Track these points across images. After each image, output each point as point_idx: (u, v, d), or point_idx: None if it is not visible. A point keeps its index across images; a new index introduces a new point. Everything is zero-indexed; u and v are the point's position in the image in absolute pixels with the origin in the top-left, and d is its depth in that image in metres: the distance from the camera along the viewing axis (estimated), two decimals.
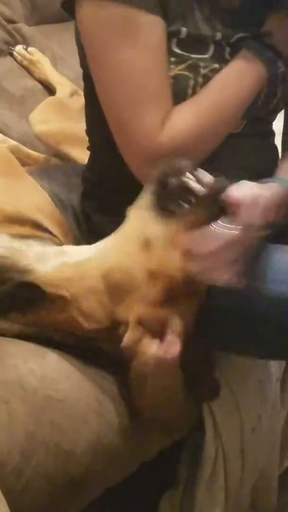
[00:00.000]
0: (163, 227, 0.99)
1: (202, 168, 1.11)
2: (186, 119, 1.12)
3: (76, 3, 1.10)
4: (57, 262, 1.02)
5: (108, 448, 0.97)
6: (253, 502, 1.35)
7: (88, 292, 0.98)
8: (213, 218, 0.99)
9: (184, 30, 1.12)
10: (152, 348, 0.95)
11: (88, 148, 1.33)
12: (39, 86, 1.98)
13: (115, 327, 0.98)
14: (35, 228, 1.12)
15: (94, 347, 1.01)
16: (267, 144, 1.30)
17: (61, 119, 1.73)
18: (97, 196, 1.27)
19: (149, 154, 1.11)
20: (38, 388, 0.93)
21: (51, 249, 1.05)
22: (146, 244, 0.98)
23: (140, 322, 0.96)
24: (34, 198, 1.23)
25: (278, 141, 2.05)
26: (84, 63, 1.19)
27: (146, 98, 1.10)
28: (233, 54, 1.16)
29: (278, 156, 1.32)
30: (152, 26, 1.09)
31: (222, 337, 1.11)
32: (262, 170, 1.23)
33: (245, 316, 1.06)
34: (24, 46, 1.99)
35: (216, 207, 0.99)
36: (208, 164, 1.16)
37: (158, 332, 0.96)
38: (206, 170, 1.15)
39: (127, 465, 1.04)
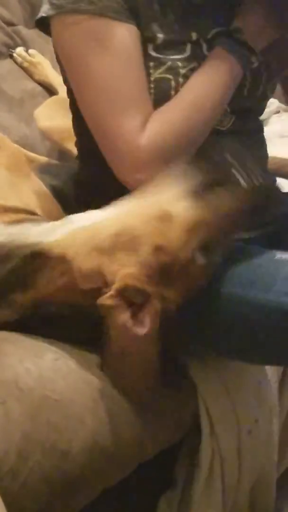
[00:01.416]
0: (190, 208, 0.98)
1: None
2: (165, 122, 1.13)
3: (50, 19, 1.13)
4: (66, 229, 1.03)
5: (105, 448, 0.97)
6: (251, 504, 1.35)
7: (92, 250, 0.98)
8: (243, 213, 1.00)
9: (160, 36, 1.14)
10: (122, 316, 0.95)
11: (76, 157, 1.34)
12: (39, 88, 1.99)
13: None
14: (30, 215, 1.13)
15: (90, 318, 0.99)
16: (256, 140, 1.30)
17: (66, 116, 1.73)
18: (87, 200, 1.28)
19: (131, 159, 1.12)
20: (34, 388, 0.93)
21: (55, 223, 1.05)
22: (166, 218, 0.98)
23: (123, 289, 0.95)
24: (37, 197, 1.24)
25: (281, 143, 2.07)
26: (66, 79, 1.22)
27: (124, 104, 1.12)
28: (210, 49, 1.17)
29: (267, 152, 1.33)
30: (124, 34, 1.11)
31: (222, 343, 1.11)
32: (251, 166, 1.25)
33: (245, 323, 1.06)
34: (25, 48, 2.00)
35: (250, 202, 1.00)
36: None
37: (136, 305, 0.96)
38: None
39: (124, 466, 1.04)
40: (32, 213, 1.14)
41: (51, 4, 1.12)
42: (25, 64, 1.99)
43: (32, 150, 1.79)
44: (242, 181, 1.02)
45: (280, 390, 1.39)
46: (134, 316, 0.96)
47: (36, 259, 1.00)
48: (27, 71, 1.99)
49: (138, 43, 1.13)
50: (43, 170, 1.39)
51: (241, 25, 1.17)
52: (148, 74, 1.15)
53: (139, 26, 1.13)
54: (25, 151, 1.73)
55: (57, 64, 1.98)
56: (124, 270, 0.96)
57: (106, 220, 1.01)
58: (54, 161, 1.78)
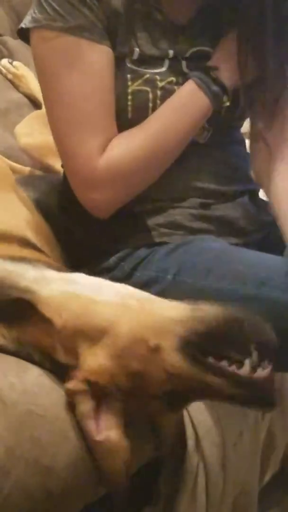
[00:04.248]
0: (178, 357, 0.93)
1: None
2: (125, 147, 1.15)
3: (30, 31, 1.16)
4: (65, 288, 0.99)
5: (88, 463, 0.96)
6: None
7: (78, 331, 0.96)
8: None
9: (136, 50, 1.16)
10: (84, 406, 0.94)
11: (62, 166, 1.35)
12: (24, 99, 2.00)
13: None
14: (22, 246, 1.12)
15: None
16: (236, 151, 1.31)
17: (46, 133, 1.74)
18: (73, 209, 1.29)
19: (87, 178, 1.15)
20: (18, 402, 0.93)
21: (54, 274, 1.02)
22: (155, 350, 0.93)
23: (87, 379, 0.94)
24: (23, 212, 1.24)
25: None
26: None
27: (87, 124, 1.14)
28: (190, 66, 1.19)
29: (248, 163, 1.33)
30: (96, 55, 1.13)
31: None
32: (231, 175, 1.26)
33: None
34: (10, 60, 2.00)
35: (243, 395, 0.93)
36: (177, 164, 1.18)
37: (98, 397, 0.95)
38: (175, 171, 1.18)
39: None
40: (24, 240, 1.14)
41: (32, 17, 1.14)
42: (9, 76, 1.99)
43: (17, 160, 1.79)
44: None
45: None
46: (98, 408, 0.95)
47: (23, 306, 0.98)
48: (12, 83, 2.00)
49: (111, 65, 1.15)
50: (26, 183, 1.39)
51: (219, 64, 1.18)
52: (126, 86, 1.17)
53: (115, 44, 1.15)
54: (9, 161, 1.74)
55: None
56: (96, 360, 0.95)
57: (104, 307, 0.97)
58: (37, 171, 1.78)
